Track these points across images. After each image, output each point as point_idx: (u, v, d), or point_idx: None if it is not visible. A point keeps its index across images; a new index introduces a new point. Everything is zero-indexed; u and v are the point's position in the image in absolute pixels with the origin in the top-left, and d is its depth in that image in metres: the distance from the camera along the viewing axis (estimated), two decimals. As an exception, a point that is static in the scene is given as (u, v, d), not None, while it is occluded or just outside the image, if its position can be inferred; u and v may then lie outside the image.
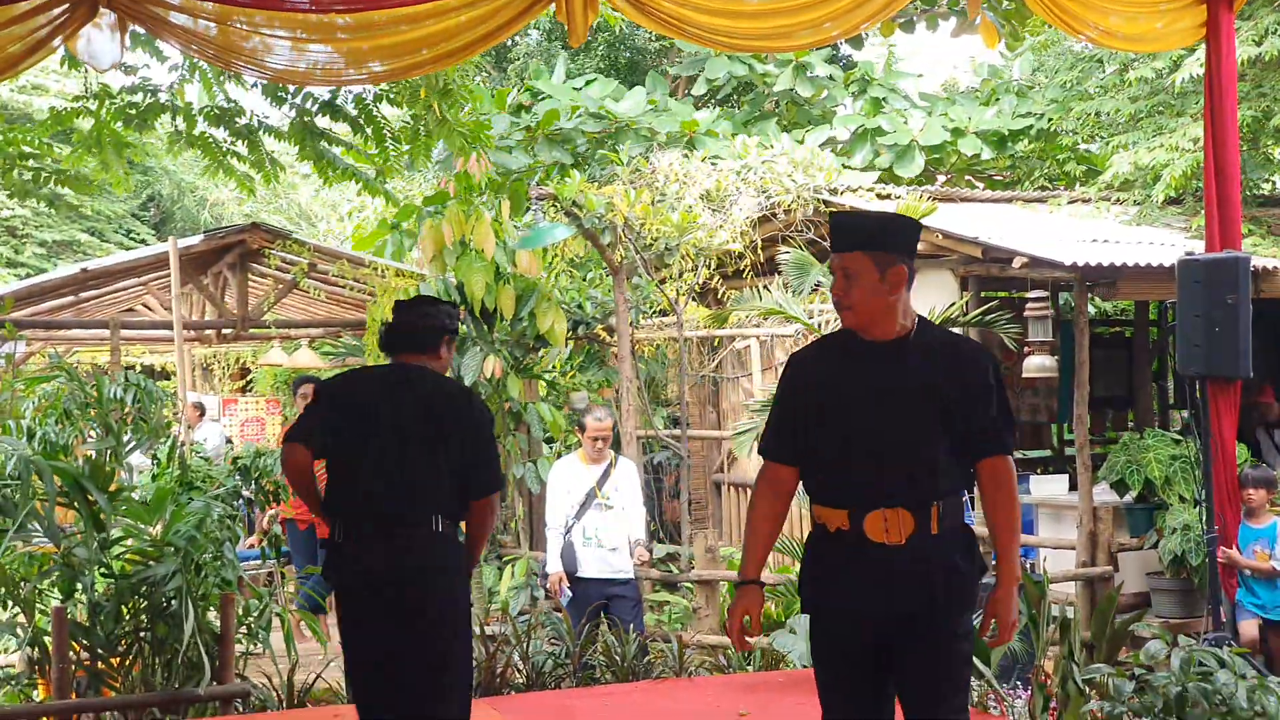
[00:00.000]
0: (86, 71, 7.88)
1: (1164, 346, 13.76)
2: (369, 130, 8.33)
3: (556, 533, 8.40)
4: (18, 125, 8.59)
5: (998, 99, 15.66)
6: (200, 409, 13.56)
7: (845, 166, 12.92)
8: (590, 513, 8.36)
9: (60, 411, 7.31)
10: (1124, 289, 9.97)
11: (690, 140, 14.07)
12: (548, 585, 8.42)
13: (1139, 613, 7.37)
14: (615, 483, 8.46)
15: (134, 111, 8.17)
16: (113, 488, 7.00)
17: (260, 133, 8.39)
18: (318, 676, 7.30)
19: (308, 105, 8.21)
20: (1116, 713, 5.37)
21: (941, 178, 15.62)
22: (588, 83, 15.42)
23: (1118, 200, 12.38)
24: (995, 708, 6.39)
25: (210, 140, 8.44)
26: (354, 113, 8.33)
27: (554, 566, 8.36)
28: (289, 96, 8.14)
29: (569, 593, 8.31)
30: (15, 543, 6.89)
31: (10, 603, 6.93)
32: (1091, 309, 13.72)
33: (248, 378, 18.70)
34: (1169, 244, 10.80)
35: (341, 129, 8.71)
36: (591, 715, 6.28)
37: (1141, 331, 13.45)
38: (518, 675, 7.39)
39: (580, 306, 11.83)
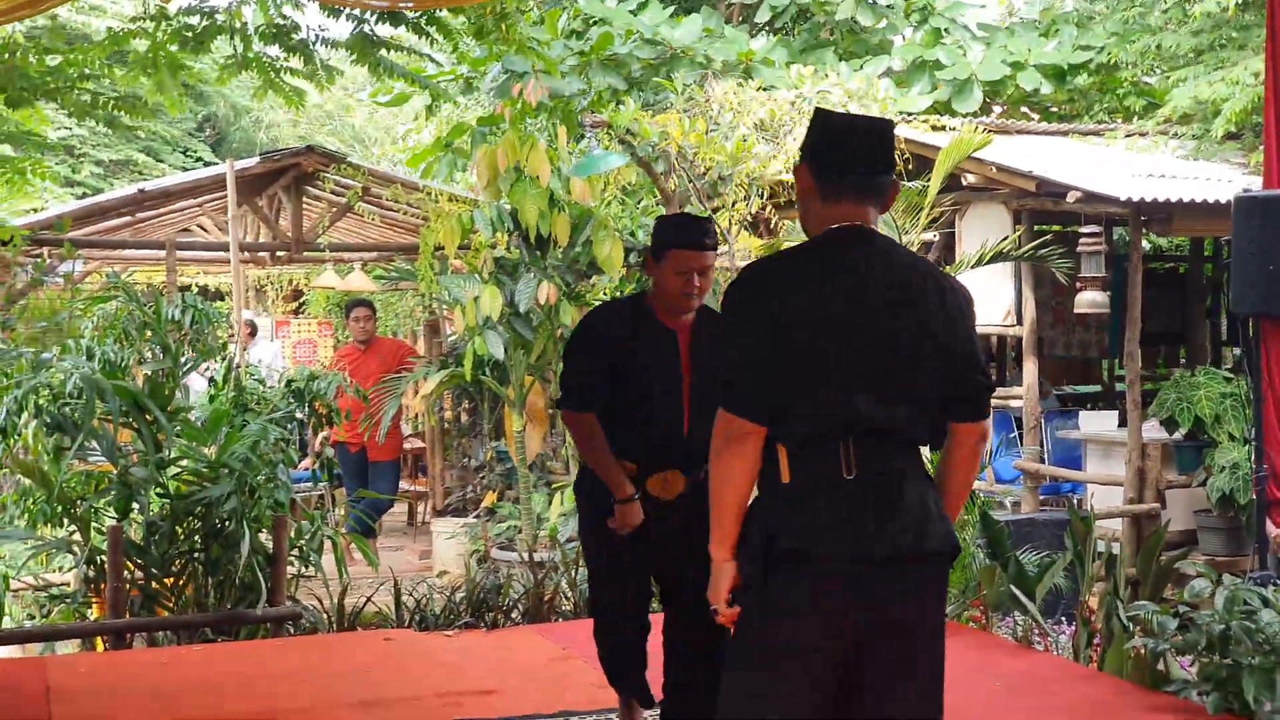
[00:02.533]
0: (146, -8, 7.90)
1: (1219, 283, 13.63)
2: (433, 31, 8.26)
3: None
4: (78, 45, 8.62)
5: (1057, 30, 15.45)
6: (252, 327, 13.67)
7: (902, 112, 12.74)
8: None
9: (119, 331, 7.40)
10: (1179, 225, 9.87)
11: (747, 69, 13.97)
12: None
13: (1184, 550, 7.38)
14: None
15: (190, 34, 8.17)
16: (170, 408, 7.11)
17: (316, 45, 8.35)
18: (368, 600, 7.41)
19: (366, 15, 8.13)
20: (1160, 649, 5.39)
21: (998, 109, 15.44)
22: (641, 6, 15.30)
23: (1175, 134, 12.23)
24: (1039, 643, 6.42)
25: (265, 60, 8.43)
26: (415, 16, 8.24)
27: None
28: (346, 8, 8.08)
29: None
30: (73, 461, 7.02)
31: (67, 521, 7.07)
32: (1147, 244, 13.59)
33: (301, 300, 18.82)
34: (1226, 180, 10.68)
35: (405, 37, 8.60)
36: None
37: (1196, 267, 13.33)
38: (565, 602, 7.45)
39: (633, 234, 11.83)
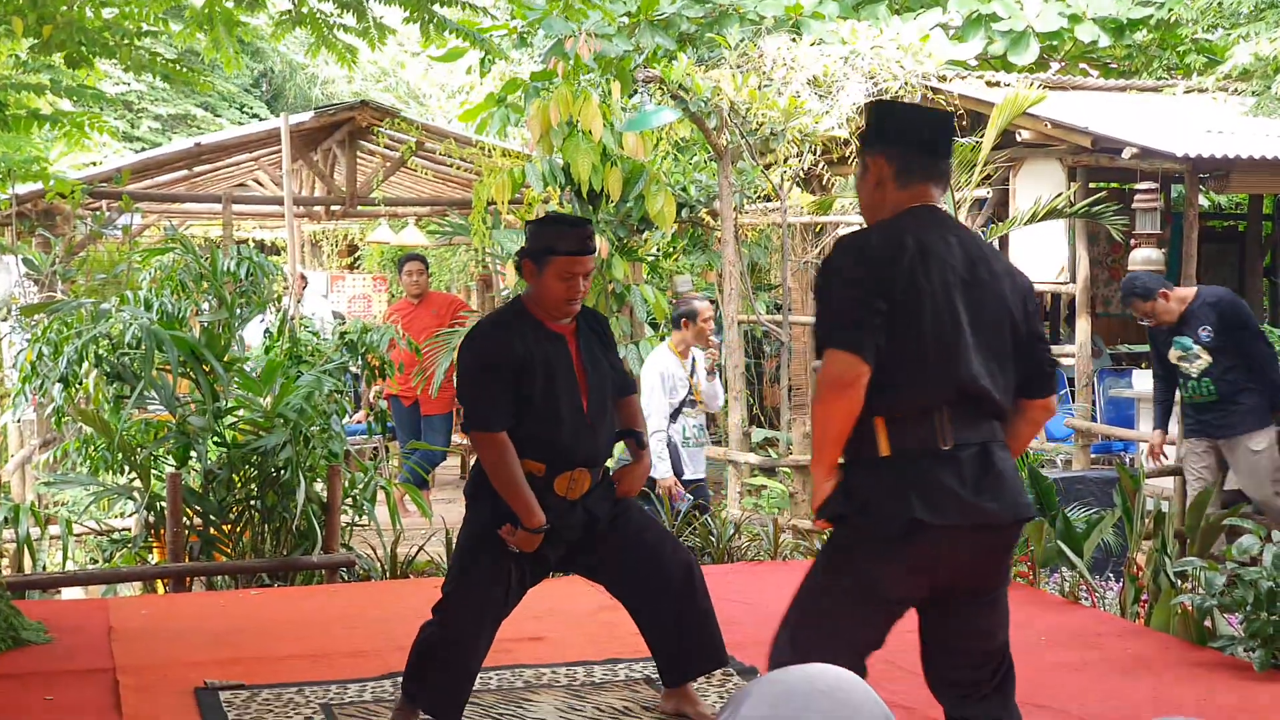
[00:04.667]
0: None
1: (1277, 241, 13.52)
2: None
3: (663, 435, 8.17)
4: (134, -1, 8.68)
5: (1117, -17, 15.26)
6: (304, 280, 13.76)
7: (953, 62, 12.61)
8: (687, 410, 8.28)
9: (176, 283, 7.52)
10: (1237, 181, 9.80)
11: (796, 24, 13.90)
12: (658, 492, 8.02)
13: (1235, 507, 7.35)
14: (698, 375, 8.42)
15: (245, -11, 8.20)
16: (226, 359, 7.22)
17: (370, 1, 8.33)
18: (420, 549, 7.51)
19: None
20: (1207, 606, 5.39)
21: (1055, 65, 15.29)
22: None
23: (1236, 91, 12.09)
24: (1086, 599, 6.44)
25: (318, 15, 8.45)
26: None
27: (665, 472, 8.12)
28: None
29: (688, 496, 8.20)
30: (133, 410, 7.15)
31: (127, 468, 7.20)
32: (1205, 202, 13.48)
33: (355, 254, 18.95)
34: (1287, 137, 10.56)
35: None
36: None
37: (1255, 226, 13.22)
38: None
39: (685, 190, 11.85)
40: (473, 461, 4.64)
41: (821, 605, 3.46)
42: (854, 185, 3.88)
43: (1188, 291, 8.24)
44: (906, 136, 3.54)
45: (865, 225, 3.62)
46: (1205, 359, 8.09)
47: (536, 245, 4.40)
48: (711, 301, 9.51)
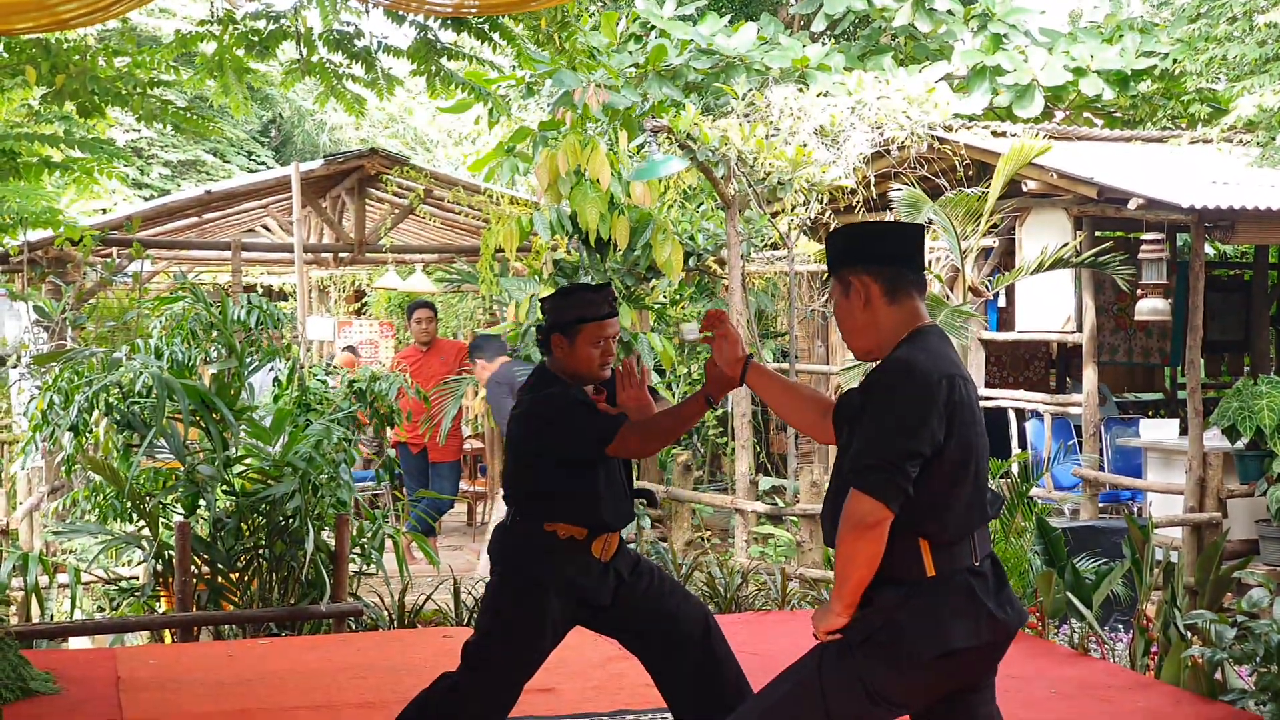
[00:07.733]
0: (213, -3, 8.01)
1: (1284, 290, 13.53)
2: (496, 37, 8.29)
3: None
4: (146, 47, 8.75)
5: (1121, 35, 15.34)
6: (354, 354, 13.80)
7: (958, 116, 12.70)
8: None
9: (186, 331, 7.54)
10: (1242, 232, 9.81)
11: (802, 75, 13.98)
12: None
13: (1244, 559, 7.34)
14: None
15: (256, 38, 8.28)
16: (236, 407, 7.24)
17: (378, 53, 8.40)
18: (428, 598, 7.49)
19: (430, 21, 8.17)
20: (1217, 659, 5.39)
21: (1060, 114, 15.36)
22: (700, 15, 15.34)
23: (1240, 141, 12.14)
24: (1096, 650, 6.42)
25: (327, 65, 8.51)
26: (479, 21, 8.26)
27: None
28: (409, 14, 8.11)
29: None
30: (142, 458, 7.16)
31: (136, 516, 7.21)
32: (1211, 250, 13.52)
33: (362, 300, 18.99)
34: (1292, 187, 10.59)
35: (466, 43, 8.63)
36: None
37: (1261, 275, 13.23)
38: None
39: (692, 238, 11.88)
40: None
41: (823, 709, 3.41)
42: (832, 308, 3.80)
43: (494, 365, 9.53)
44: (890, 252, 3.50)
45: (857, 347, 3.55)
46: None
47: (564, 318, 4.36)
48: None
